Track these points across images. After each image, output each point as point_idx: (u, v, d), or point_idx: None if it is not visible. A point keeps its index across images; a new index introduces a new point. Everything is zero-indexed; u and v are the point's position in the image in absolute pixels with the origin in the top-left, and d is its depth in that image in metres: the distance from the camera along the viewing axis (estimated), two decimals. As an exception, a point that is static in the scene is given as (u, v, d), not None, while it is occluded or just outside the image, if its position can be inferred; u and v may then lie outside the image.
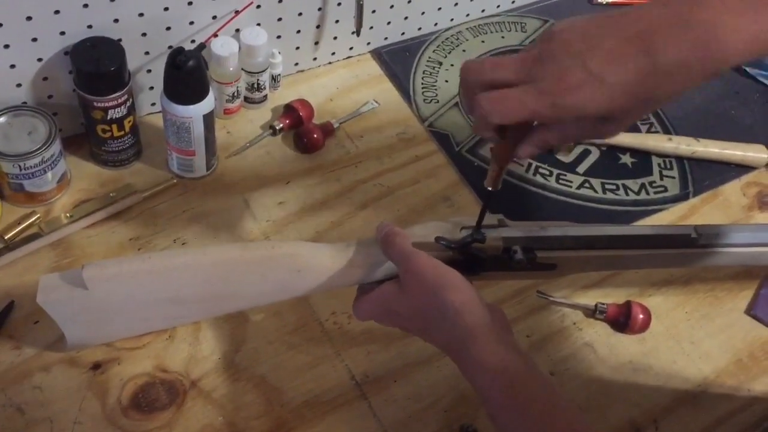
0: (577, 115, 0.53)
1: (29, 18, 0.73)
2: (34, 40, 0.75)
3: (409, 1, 0.99)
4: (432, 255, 0.63)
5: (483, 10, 1.09)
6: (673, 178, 0.96)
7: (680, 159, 0.98)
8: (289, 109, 0.91)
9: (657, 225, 0.89)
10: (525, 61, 0.54)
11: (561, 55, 0.52)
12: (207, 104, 0.79)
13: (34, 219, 0.79)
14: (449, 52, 1.04)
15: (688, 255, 0.70)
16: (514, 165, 0.92)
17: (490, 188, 0.62)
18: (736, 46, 0.49)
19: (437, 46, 1.05)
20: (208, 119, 0.80)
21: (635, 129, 1.00)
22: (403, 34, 1.03)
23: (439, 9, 1.04)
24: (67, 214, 0.80)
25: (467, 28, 1.08)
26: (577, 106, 0.52)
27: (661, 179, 0.95)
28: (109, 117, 0.78)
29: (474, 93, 0.56)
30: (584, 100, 0.52)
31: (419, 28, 1.04)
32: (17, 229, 0.78)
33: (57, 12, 0.74)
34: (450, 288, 0.57)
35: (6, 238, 0.77)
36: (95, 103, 0.77)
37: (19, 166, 0.76)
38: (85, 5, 0.75)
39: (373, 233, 0.66)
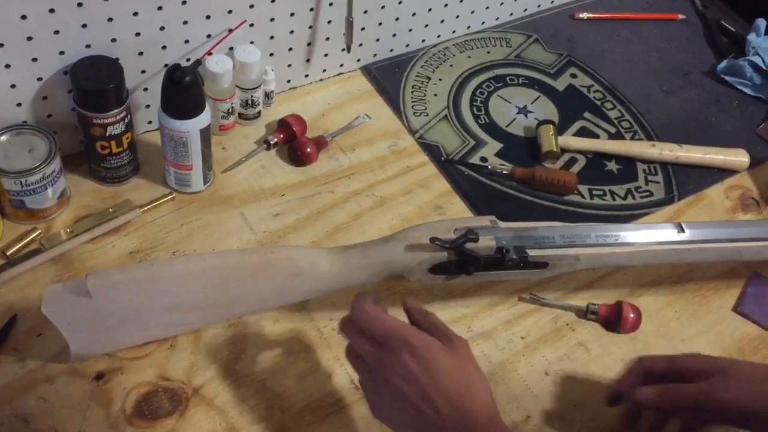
0: None
1: (29, 38, 0.75)
2: (34, 60, 0.77)
3: (397, 19, 1.02)
4: (427, 254, 0.65)
5: (468, 27, 1.12)
6: (658, 183, 0.99)
7: (664, 164, 1.01)
8: (282, 124, 0.94)
9: (643, 223, 0.92)
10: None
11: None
12: (204, 119, 0.81)
13: (35, 235, 0.80)
14: (437, 67, 1.07)
15: (674, 251, 0.73)
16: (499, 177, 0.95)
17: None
18: None
19: (425, 62, 1.08)
20: (205, 134, 0.82)
21: (620, 137, 1.03)
22: (391, 50, 1.06)
23: (426, 26, 1.07)
24: (68, 230, 0.81)
25: (454, 44, 1.11)
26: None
27: (647, 184, 0.98)
28: (108, 133, 0.80)
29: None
30: None
31: (407, 45, 1.07)
32: (19, 245, 0.79)
33: (57, 32, 0.76)
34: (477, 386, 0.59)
35: (8, 254, 0.78)
36: (94, 120, 0.79)
37: (21, 183, 0.77)
38: (84, 25, 0.77)
39: (367, 239, 0.67)
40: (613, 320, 0.82)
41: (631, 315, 0.82)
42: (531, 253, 0.69)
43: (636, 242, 0.72)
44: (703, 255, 0.73)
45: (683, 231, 0.72)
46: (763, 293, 0.88)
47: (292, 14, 0.92)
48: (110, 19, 0.78)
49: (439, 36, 1.10)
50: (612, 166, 1.00)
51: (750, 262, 0.89)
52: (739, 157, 1.01)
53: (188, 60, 0.87)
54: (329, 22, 0.95)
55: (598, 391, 0.78)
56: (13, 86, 0.78)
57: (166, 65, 0.86)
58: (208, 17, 0.85)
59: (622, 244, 0.71)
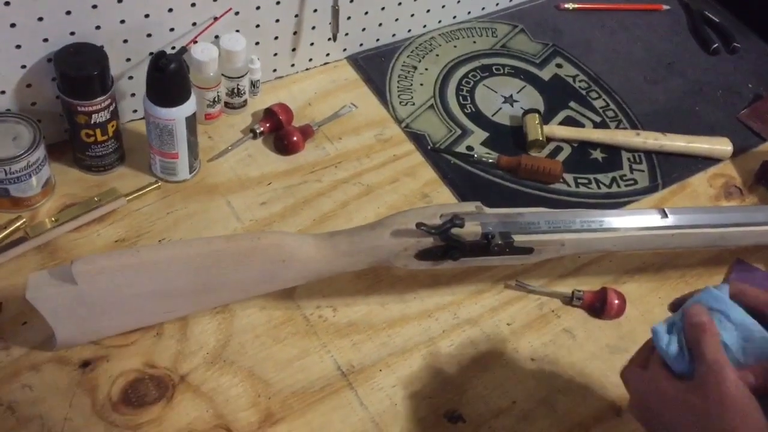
0: None
1: (13, 25, 0.75)
2: (18, 47, 0.77)
3: (383, 8, 1.02)
4: (413, 240, 0.65)
5: (454, 17, 1.12)
6: (643, 171, 0.99)
7: (649, 153, 1.01)
8: (269, 113, 0.94)
9: (627, 209, 0.92)
10: None
11: None
12: (189, 107, 0.81)
13: (19, 224, 0.80)
14: (423, 57, 1.07)
15: (658, 236, 0.73)
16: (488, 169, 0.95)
17: None
18: None
19: (411, 52, 1.08)
20: (191, 122, 0.82)
21: (604, 126, 1.04)
22: (377, 40, 1.06)
23: (412, 15, 1.07)
24: (52, 219, 0.81)
25: (440, 34, 1.11)
26: None
27: (631, 173, 0.99)
28: (92, 121, 0.80)
29: None
30: None
31: (393, 35, 1.07)
32: (3, 234, 0.79)
33: (41, 19, 0.76)
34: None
35: (-8, 242, 0.78)
36: (79, 108, 0.79)
37: (5, 171, 0.77)
38: (68, 12, 0.77)
39: (354, 224, 0.67)
40: (598, 306, 0.83)
41: (616, 301, 0.83)
42: (516, 238, 0.69)
43: (620, 227, 0.73)
44: (687, 240, 0.74)
45: (667, 216, 0.73)
46: (746, 280, 0.89)
47: (278, 2, 0.91)
48: (95, 6, 0.78)
49: (425, 26, 1.10)
50: (597, 154, 1.00)
51: (733, 248, 0.90)
52: (722, 146, 1.02)
53: (173, 48, 0.87)
54: (315, 11, 0.95)
55: (584, 376, 0.79)
56: (-4, 74, 0.78)
57: (151, 53, 0.86)
58: (193, 5, 0.85)
59: (606, 229, 0.72)
